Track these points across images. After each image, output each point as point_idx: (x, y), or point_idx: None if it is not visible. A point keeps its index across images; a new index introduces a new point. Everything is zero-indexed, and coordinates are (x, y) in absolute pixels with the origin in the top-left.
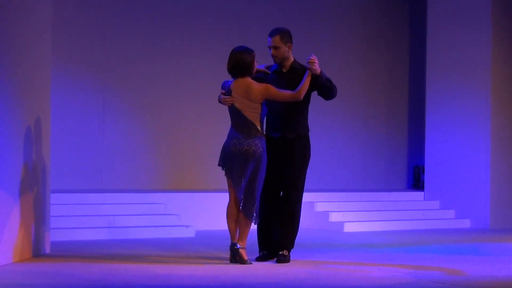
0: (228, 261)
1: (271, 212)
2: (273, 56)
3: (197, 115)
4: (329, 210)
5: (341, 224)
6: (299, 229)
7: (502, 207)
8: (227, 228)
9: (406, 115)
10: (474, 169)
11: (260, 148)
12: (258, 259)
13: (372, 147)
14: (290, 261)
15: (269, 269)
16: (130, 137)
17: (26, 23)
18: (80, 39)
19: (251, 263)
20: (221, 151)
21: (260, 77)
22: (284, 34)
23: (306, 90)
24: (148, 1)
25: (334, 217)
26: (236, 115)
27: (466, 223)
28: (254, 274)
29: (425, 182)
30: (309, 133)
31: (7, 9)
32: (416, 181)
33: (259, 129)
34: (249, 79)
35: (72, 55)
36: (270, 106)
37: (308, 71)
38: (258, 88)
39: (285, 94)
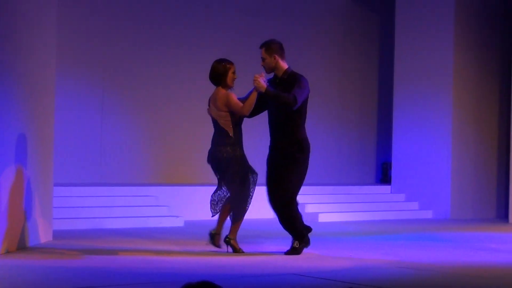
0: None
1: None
2: (262, 66)
3: (188, 114)
4: (305, 202)
5: (316, 214)
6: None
7: (461, 199)
8: (214, 218)
9: (376, 116)
10: (436, 165)
11: (230, 154)
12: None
13: (345, 145)
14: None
15: (254, 254)
16: (127, 134)
17: (32, 26)
18: (81, 40)
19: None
20: None
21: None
22: (269, 46)
23: (252, 106)
24: (148, 5)
25: (310, 208)
26: (214, 124)
27: (428, 214)
28: (237, 260)
29: (392, 176)
30: (307, 143)
31: (14, 13)
32: (384, 176)
33: (232, 136)
34: (220, 89)
35: (73, 55)
36: (269, 116)
37: (253, 89)
38: (221, 96)
39: (237, 106)
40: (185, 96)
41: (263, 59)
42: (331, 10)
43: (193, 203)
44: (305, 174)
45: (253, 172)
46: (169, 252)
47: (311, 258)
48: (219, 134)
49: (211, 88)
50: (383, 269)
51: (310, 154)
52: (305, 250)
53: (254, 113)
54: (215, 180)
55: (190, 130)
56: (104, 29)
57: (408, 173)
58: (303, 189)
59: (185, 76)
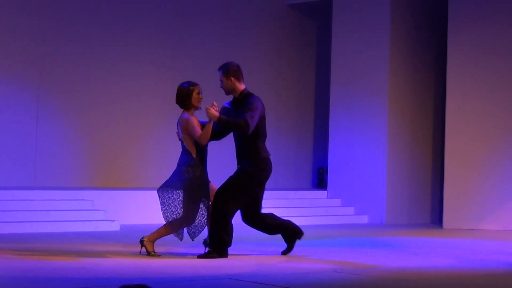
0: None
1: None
2: (221, 88)
3: (124, 117)
4: None
5: None
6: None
7: (396, 205)
8: (150, 222)
9: (312, 121)
10: (372, 171)
11: (191, 174)
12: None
13: (281, 150)
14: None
15: (190, 259)
16: (62, 137)
17: None
18: (17, 39)
19: (159, 255)
20: None
21: (226, 111)
22: (226, 70)
23: (208, 135)
24: (84, 4)
25: None
26: (181, 144)
27: (364, 219)
28: (173, 264)
29: (328, 182)
30: (265, 162)
31: None
32: (320, 181)
33: (194, 157)
34: (183, 113)
35: (7, 55)
36: (233, 135)
37: (208, 119)
38: (183, 121)
39: (195, 135)
40: (121, 99)
41: (221, 82)
42: (268, 16)
43: (130, 207)
44: (252, 189)
45: (207, 197)
46: (103, 257)
47: (247, 262)
48: (184, 154)
49: (148, 90)
50: (319, 273)
51: (269, 174)
52: (242, 254)
53: (220, 135)
54: (152, 183)
55: (126, 134)
56: (39, 28)
57: (344, 178)
58: None
59: (121, 79)
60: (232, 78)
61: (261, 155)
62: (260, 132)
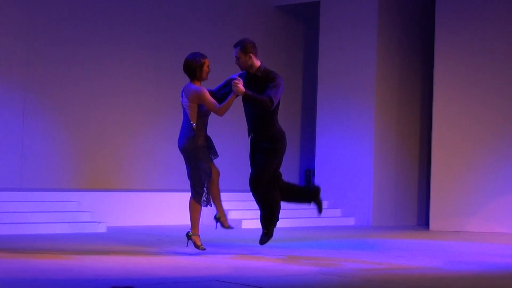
0: (136, 253)
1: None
2: (237, 64)
3: (113, 119)
4: (228, 209)
5: (239, 221)
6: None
7: (382, 207)
8: (136, 224)
9: (299, 123)
10: (358, 173)
11: (192, 145)
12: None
13: None
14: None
15: (176, 260)
16: (49, 138)
17: None
18: (2, 39)
19: (204, 249)
20: None
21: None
22: (244, 46)
23: (228, 108)
24: (73, 4)
25: (234, 215)
26: (183, 114)
27: (351, 221)
28: (160, 266)
29: (314, 184)
30: (282, 134)
31: None
32: (307, 183)
33: (194, 127)
34: (193, 83)
35: None
36: (245, 111)
37: (232, 92)
38: (194, 90)
39: (213, 106)
40: (109, 101)
41: (238, 58)
42: (256, 17)
43: (116, 209)
44: (281, 160)
45: (209, 161)
46: (90, 259)
47: (235, 264)
48: (186, 123)
49: (135, 87)
50: (305, 275)
51: (287, 142)
52: (228, 256)
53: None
54: (139, 185)
55: (114, 135)
56: (26, 26)
57: (331, 180)
58: (227, 195)
59: (109, 80)
60: (250, 55)
61: (278, 127)
62: (277, 109)
